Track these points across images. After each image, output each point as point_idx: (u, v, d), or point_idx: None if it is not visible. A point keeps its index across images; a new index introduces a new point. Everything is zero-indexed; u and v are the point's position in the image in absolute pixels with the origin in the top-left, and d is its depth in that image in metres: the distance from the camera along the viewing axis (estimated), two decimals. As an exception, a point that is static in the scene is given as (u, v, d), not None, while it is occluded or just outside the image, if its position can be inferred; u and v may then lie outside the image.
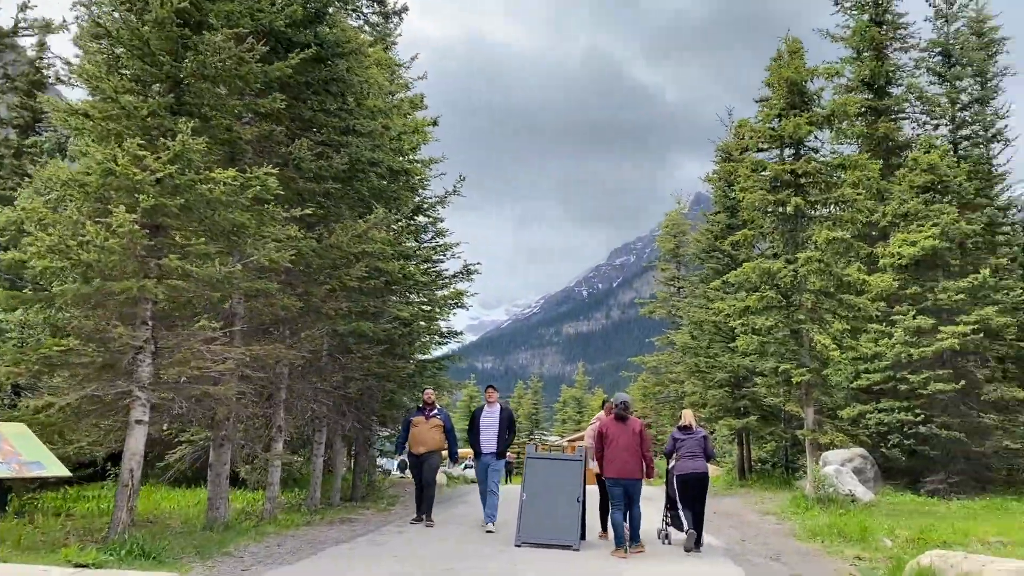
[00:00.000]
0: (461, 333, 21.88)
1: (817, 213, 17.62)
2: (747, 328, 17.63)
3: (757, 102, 18.52)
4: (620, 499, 10.27)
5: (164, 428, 11.13)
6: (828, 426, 16.94)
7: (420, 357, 20.95)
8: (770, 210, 17.83)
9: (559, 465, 11.77)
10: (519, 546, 10.73)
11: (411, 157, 18.52)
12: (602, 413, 12.12)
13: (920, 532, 13.28)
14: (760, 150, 18.98)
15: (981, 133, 27.30)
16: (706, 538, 11.82)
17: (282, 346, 11.60)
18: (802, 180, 17.87)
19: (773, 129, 17.87)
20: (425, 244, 20.22)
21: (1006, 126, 27.17)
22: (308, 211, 10.50)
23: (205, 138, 9.07)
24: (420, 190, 20.71)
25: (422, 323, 19.21)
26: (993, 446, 19.56)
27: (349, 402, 16.40)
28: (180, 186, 8.92)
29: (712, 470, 34.53)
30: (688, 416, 11.11)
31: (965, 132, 27.42)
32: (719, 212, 25.71)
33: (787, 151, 18.19)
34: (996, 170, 27.18)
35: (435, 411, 12.89)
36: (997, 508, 18.03)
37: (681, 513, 10.95)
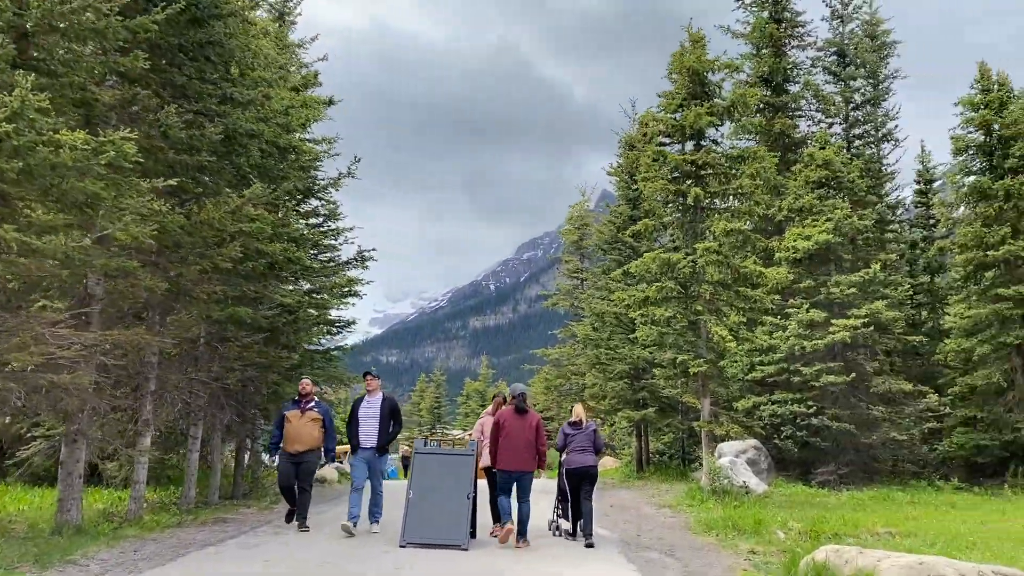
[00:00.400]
0: (354, 323, 20.96)
1: (717, 205, 17.59)
2: (647, 319, 17.45)
3: (660, 96, 18.34)
4: (508, 489, 10.44)
5: (6, 421, 9.97)
6: (724, 417, 16.92)
7: (310, 347, 20.03)
8: (671, 200, 17.70)
9: (449, 460, 11.22)
10: (404, 547, 10.10)
11: (301, 135, 17.55)
12: (491, 408, 11.89)
13: (812, 524, 13.33)
14: (662, 144, 18.81)
15: (872, 133, 28.14)
16: (600, 531, 11.65)
17: (146, 332, 10.60)
18: (702, 172, 17.79)
19: (675, 119, 17.72)
20: (317, 229, 19.26)
21: (896, 126, 28.11)
22: (173, 182, 9.52)
23: (48, 94, 8.04)
24: (312, 171, 19.78)
25: (311, 311, 18.30)
26: (881, 437, 20.04)
27: (228, 394, 15.39)
28: (20, 148, 7.89)
29: (610, 462, 34.68)
30: (579, 411, 11.24)
31: (857, 131, 28.22)
32: (622, 204, 25.61)
33: (688, 143, 18.09)
34: (886, 170, 28.06)
35: (312, 403, 11.47)
36: (883, 498, 18.44)
37: (570, 506, 11.12)
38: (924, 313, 26.23)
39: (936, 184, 28.58)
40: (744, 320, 17.51)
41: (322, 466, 15.03)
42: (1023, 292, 21.18)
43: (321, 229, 19.29)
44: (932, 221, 28.21)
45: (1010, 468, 20.99)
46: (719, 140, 17.98)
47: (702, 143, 17.82)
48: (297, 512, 11.58)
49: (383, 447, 11.14)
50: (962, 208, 23.35)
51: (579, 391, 33.71)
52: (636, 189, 25.28)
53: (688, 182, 17.67)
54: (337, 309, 26.93)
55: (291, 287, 15.79)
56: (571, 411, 11.44)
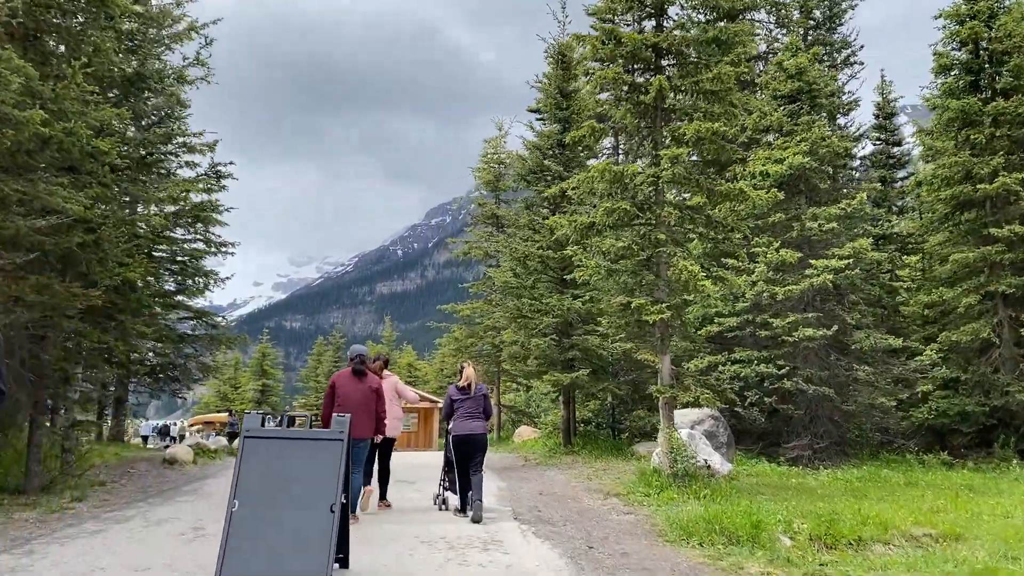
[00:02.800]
0: (201, 259, 16.11)
1: (683, 103, 13.42)
2: (591, 253, 13.25)
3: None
4: (357, 462, 9.23)
5: None
6: (689, 380, 12.96)
7: (151, 294, 15.11)
8: (623, 98, 13.48)
9: (301, 448, 6.87)
10: (218, 594, 5.82)
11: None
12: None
13: (825, 524, 9.59)
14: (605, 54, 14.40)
15: (831, 56, 24.60)
16: (535, 540, 8.56)
17: None
18: (664, 62, 13.67)
19: (629, -11, 13.41)
20: (152, 129, 14.23)
21: (861, 47, 24.61)
22: None
23: None
24: (149, 60, 14.76)
25: (144, 237, 13.41)
26: (863, 403, 16.49)
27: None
28: None
29: (527, 432, 30.74)
30: (469, 374, 10.13)
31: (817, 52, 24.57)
32: (550, 124, 21.17)
33: (647, 25, 13.83)
34: (845, 99, 24.60)
35: None
36: (874, 479, 14.90)
37: (458, 478, 10.07)
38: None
39: (898, 119, 25.44)
40: (711, 255, 13.57)
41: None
42: (1017, 232, 18.01)
43: (157, 130, 14.26)
44: (892, 160, 25.04)
45: (998, 438, 17.88)
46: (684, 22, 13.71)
47: (664, 23, 13.62)
48: None
49: None
50: (944, 138, 19.97)
51: (494, 351, 29.52)
52: (568, 107, 21.02)
53: (647, 74, 13.52)
54: (211, 256, 22.38)
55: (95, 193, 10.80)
56: (459, 372, 10.20)
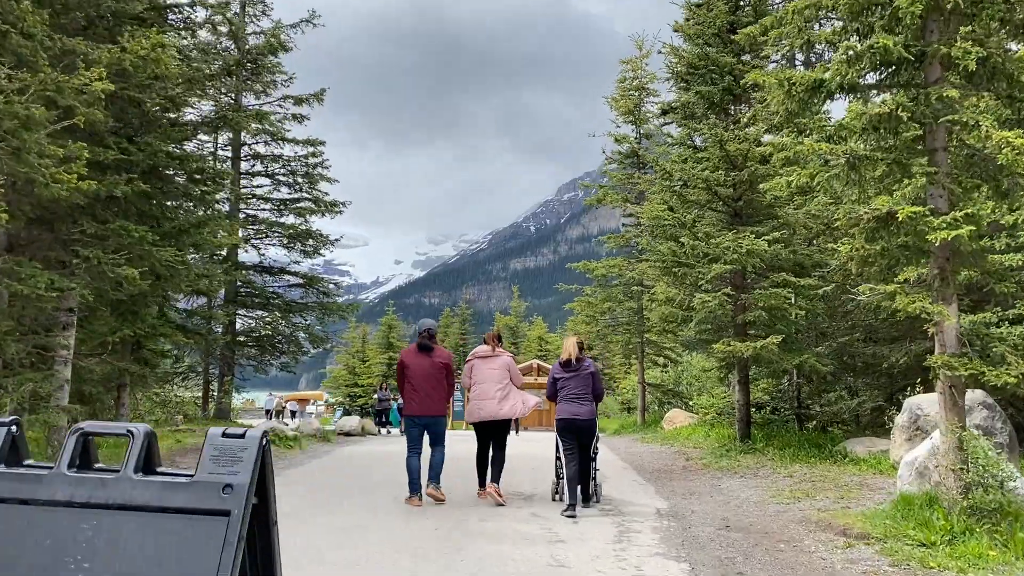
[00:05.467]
0: (222, 179, 11.68)
1: None
2: (812, 133, 7.91)
3: None
4: (417, 441, 8.79)
5: None
6: (1002, 347, 7.39)
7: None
8: None
9: (127, 530, 1.91)
10: None
11: None
12: (485, 346, 9.53)
13: None
14: None
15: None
16: None
17: None
18: None
19: None
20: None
21: None
22: None
23: None
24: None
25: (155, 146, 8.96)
26: None
27: None
28: None
29: (680, 417, 25.41)
30: (570, 347, 8.91)
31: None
32: (718, 3, 15.32)
33: None
34: None
35: None
36: None
37: (564, 466, 8.76)
38: None
39: None
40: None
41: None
42: None
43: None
44: None
45: None
46: None
47: None
48: None
49: None
50: None
51: (636, 319, 24.34)
52: (740, -22, 15.45)
53: None
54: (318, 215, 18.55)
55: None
56: (565, 343, 9.13)
